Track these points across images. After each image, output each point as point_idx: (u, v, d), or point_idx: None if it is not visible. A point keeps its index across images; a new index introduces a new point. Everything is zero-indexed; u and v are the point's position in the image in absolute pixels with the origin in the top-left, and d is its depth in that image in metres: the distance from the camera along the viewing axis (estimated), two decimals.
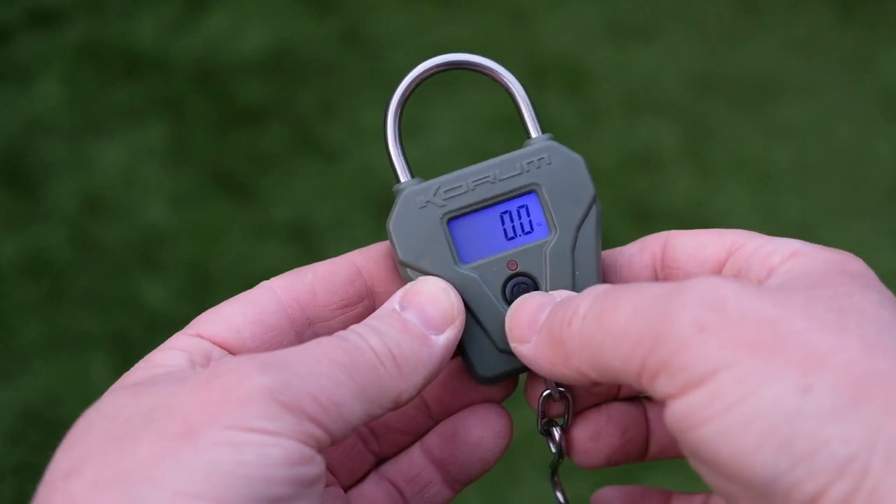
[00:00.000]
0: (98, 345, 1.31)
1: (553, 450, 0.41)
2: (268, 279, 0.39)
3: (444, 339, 0.36)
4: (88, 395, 0.34)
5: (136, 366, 0.35)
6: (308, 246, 1.39)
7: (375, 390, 0.33)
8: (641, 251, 0.40)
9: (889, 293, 0.32)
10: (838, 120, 1.51)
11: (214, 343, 0.36)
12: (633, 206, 1.41)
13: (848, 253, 0.34)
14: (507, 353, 0.39)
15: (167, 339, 0.37)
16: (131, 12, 1.63)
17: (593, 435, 0.40)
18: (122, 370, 0.37)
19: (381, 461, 0.41)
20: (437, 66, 0.40)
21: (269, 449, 0.29)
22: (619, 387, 0.41)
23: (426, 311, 0.37)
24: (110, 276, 1.37)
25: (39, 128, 1.50)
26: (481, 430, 0.40)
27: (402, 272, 0.39)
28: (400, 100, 0.40)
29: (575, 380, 0.35)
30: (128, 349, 1.29)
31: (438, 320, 0.37)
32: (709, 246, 0.38)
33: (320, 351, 0.33)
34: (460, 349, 0.39)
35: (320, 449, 0.31)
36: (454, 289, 0.38)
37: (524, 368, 0.39)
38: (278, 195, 1.44)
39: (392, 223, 0.39)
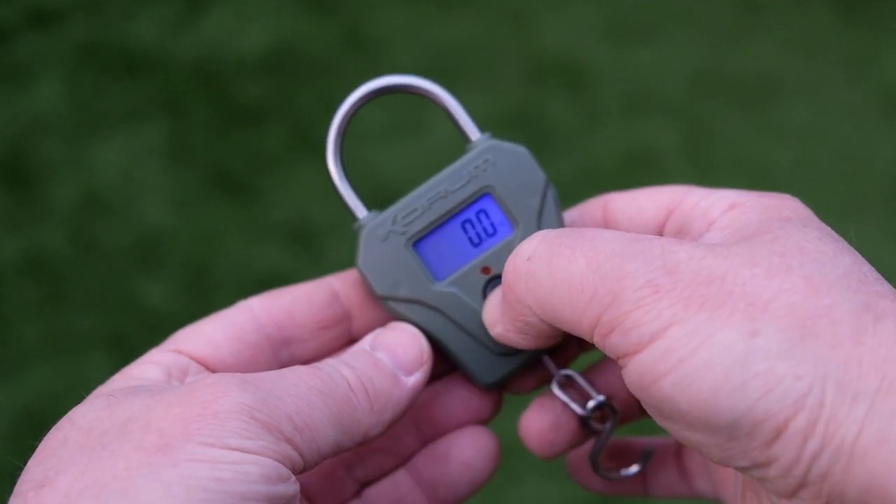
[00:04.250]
0: (98, 345, 1.31)
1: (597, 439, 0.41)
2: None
3: (414, 380, 0.37)
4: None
5: (112, 378, 0.36)
6: (308, 246, 1.39)
7: (348, 420, 0.34)
8: (582, 217, 0.41)
9: (828, 229, 0.33)
10: (838, 120, 1.51)
11: (193, 358, 0.37)
12: None
13: (785, 195, 0.35)
14: (503, 354, 0.39)
15: (166, 339, 0.38)
16: (131, 12, 1.63)
17: (542, 430, 0.41)
18: None
19: (363, 487, 0.41)
20: (366, 94, 0.40)
21: (246, 466, 0.29)
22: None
23: (397, 353, 0.38)
24: (110, 276, 1.37)
25: (39, 128, 1.50)
26: (471, 451, 0.41)
27: (385, 306, 0.39)
28: (336, 136, 0.40)
29: (534, 327, 0.35)
30: (127, 349, 1.29)
31: (408, 363, 0.37)
32: (648, 208, 0.39)
33: (296, 376, 0.33)
34: (458, 363, 0.40)
35: (294, 471, 0.31)
36: (423, 335, 0.39)
37: (523, 365, 0.40)
38: (278, 195, 1.44)
39: (361, 262, 0.39)
